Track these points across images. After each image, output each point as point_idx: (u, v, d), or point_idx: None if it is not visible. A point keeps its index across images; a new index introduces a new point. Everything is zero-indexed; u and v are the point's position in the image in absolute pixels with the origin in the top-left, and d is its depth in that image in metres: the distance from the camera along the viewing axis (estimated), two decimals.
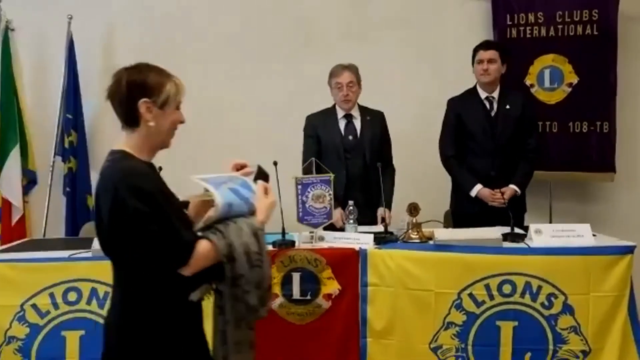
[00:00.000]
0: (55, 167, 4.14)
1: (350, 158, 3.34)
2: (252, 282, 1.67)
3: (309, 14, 4.26)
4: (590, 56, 3.91)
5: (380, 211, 3.19)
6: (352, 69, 3.35)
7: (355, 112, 3.41)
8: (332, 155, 3.34)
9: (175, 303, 1.67)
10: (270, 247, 2.79)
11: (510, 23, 4.03)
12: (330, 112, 3.43)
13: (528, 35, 4.01)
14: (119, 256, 1.66)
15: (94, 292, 2.66)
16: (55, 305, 2.65)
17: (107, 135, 4.34)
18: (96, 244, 2.69)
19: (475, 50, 3.41)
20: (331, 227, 3.15)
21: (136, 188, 1.59)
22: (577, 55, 3.95)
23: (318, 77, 4.17)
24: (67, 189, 4.13)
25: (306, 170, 3.14)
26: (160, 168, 1.99)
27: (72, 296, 2.67)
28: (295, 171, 2.96)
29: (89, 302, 2.66)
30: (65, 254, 2.75)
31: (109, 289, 2.60)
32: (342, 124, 3.40)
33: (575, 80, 3.96)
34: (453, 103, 3.48)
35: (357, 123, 3.40)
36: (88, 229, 3.64)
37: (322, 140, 3.38)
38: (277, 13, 4.27)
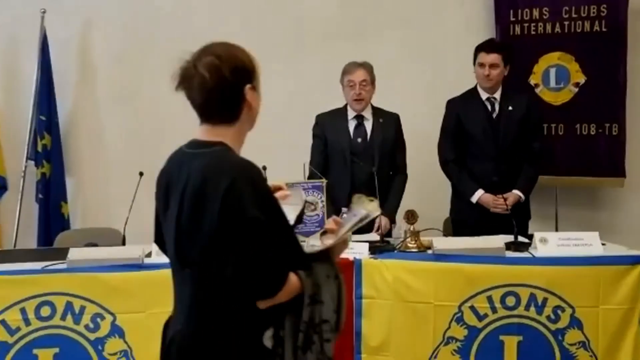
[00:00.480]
0: (27, 172, 4.13)
1: (357, 162, 3.33)
2: (334, 330, 1.56)
3: (308, 14, 4.27)
4: (598, 54, 3.94)
5: (383, 221, 3.17)
6: (367, 67, 3.35)
7: (368, 114, 3.41)
8: (338, 158, 3.36)
9: (249, 338, 1.51)
10: None
11: (514, 19, 4.07)
12: (340, 113, 3.43)
13: (532, 32, 4.05)
14: (208, 267, 1.48)
15: (69, 306, 2.65)
16: (27, 321, 2.64)
17: (84, 138, 4.35)
18: (73, 254, 2.71)
19: (477, 51, 3.41)
20: None
21: (258, 191, 1.46)
22: (584, 53, 3.99)
23: (317, 78, 4.20)
24: (40, 196, 4.12)
25: (311, 173, 3.17)
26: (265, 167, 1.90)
27: (45, 311, 2.65)
28: (287, 176, 2.96)
29: (63, 318, 2.65)
30: (38, 265, 2.74)
31: (85, 303, 2.64)
32: (351, 126, 3.41)
33: (582, 79, 4.00)
34: (452, 104, 3.51)
35: (369, 125, 3.40)
36: (62, 238, 3.62)
37: (328, 142, 3.40)
38: (276, 13, 4.28)
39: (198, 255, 1.48)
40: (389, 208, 3.30)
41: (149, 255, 2.79)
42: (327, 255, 1.65)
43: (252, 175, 1.48)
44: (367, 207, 1.75)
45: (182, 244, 1.51)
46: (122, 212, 3.13)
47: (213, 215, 1.43)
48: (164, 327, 1.66)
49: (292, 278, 1.51)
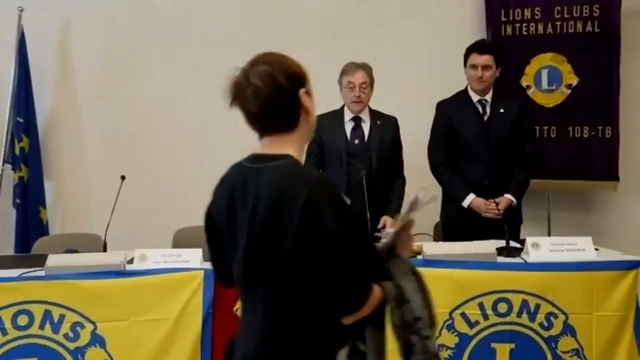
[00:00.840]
0: (4, 176, 4.09)
1: (353, 164, 3.35)
2: (430, 325, 1.55)
3: (298, 15, 4.27)
4: (591, 55, 3.98)
5: (388, 221, 3.20)
6: (367, 68, 3.38)
7: (365, 116, 3.44)
8: (334, 160, 3.38)
9: (325, 357, 1.49)
10: None
11: (505, 19, 4.09)
12: (337, 114, 3.45)
13: (524, 33, 4.07)
14: (285, 285, 1.46)
15: (47, 315, 2.63)
16: (3, 331, 2.62)
17: (63, 140, 4.32)
18: (52, 261, 2.69)
19: (469, 52, 3.43)
20: None
21: (336, 203, 1.44)
22: (577, 54, 4.02)
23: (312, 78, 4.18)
24: (18, 201, 4.08)
25: None
26: None
27: (22, 320, 2.63)
28: None
29: (41, 327, 2.63)
30: (15, 272, 2.72)
31: (65, 312, 2.62)
32: (348, 127, 3.43)
33: (575, 81, 4.03)
34: (443, 106, 3.52)
35: (366, 127, 3.43)
36: (41, 244, 3.60)
37: (324, 143, 3.41)
38: (267, 12, 4.27)
39: (274, 273, 1.46)
40: (393, 210, 3.31)
41: (131, 261, 2.78)
42: (395, 253, 1.62)
43: (328, 187, 1.47)
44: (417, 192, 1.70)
45: (255, 262, 1.49)
46: (103, 217, 3.12)
47: (291, 231, 1.41)
48: (228, 347, 1.62)
49: (374, 289, 1.50)
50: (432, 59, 4.24)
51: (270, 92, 1.48)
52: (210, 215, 1.63)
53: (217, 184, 1.62)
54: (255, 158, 1.55)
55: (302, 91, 1.53)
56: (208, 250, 1.70)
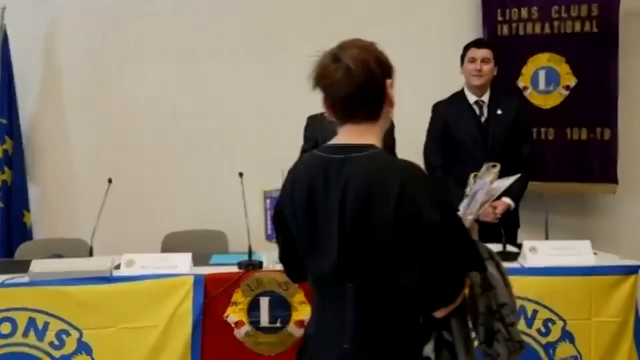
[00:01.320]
0: None
1: None
2: (513, 311, 1.55)
3: (287, 10, 4.29)
4: (589, 56, 4.01)
5: None
6: None
7: None
8: None
9: (415, 350, 1.49)
10: (235, 269, 2.81)
11: (502, 19, 4.12)
12: None
13: (521, 33, 4.10)
14: (380, 278, 1.44)
15: (31, 322, 2.63)
16: None
17: (48, 142, 4.32)
18: (35, 266, 2.69)
19: (466, 48, 3.46)
20: None
21: (432, 192, 1.42)
22: (575, 54, 4.05)
23: (292, 77, 4.19)
24: (1, 204, 4.07)
25: None
26: None
27: (5, 328, 2.63)
28: (264, 182, 2.98)
29: (25, 334, 2.63)
30: None
31: (50, 319, 2.62)
32: None
33: (573, 82, 4.06)
34: (439, 108, 3.55)
35: None
36: (24, 250, 3.59)
37: (319, 144, 3.41)
38: (262, 11, 4.28)
39: (367, 267, 1.44)
40: None
41: (118, 267, 2.79)
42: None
43: (422, 176, 1.47)
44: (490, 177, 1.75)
45: (347, 256, 1.45)
46: (89, 221, 3.12)
47: (385, 223, 1.39)
48: (301, 348, 1.61)
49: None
50: (427, 60, 4.26)
51: (362, 76, 1.47)
52: (280, 210, 1.60)
53: (286, 178, 1.60)
54: (336, 148, 1.52)
55: (389, 81, 1.53)
56: (278, 246, 1.68)
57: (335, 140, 1.55)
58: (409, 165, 1.48)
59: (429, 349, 1.48)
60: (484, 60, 3.40)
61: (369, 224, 1.42)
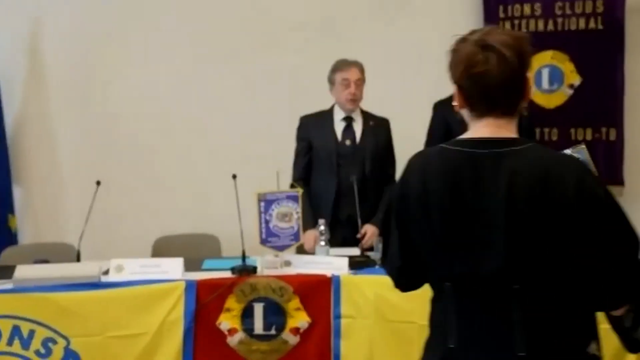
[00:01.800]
0: None
1: (344, 166, 3.39)
2: None
3: (277, 6, 4.30)
4: (594, 53, 4.02)
5: (369, 230, 3.24)
6: (360, 66, 3.43)
7: (357, 116, 3.48)
8: (324, 162, 3.42)
9: (583, 348, 1.47)
10: (228, 274, 2.81)
11: (503, 16, 4.14)
12: (326, 114, 3.49)
13: (524, 29, 4.10)
14: (559, 279, 1.42)
15: (16, 330, 2.62)
16: None
17: (33, 144, 4.31)
18: (20, 272, 2.68)
19: None
20: (301, 251, 3.18)
21: (604, 186, 1.44)
22: (579, 52, 4.06)
23: (287, 77, 4.21)
24: None
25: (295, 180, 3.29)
26: None
27: None
28: (258, 185, 2.99)
29: (10, 343, 2.62)
30: None
31: (35, 327, 2.62)
32: (339, 128, 3.46)
33: (577, 80, 4.07)
34: (440, 107, 3.53)
35: (358, 128, 3.47)
36: (9, 255, 3.58)
37: (313, 145, 3.45)
38: (254, 9, 4.29)
39: (539, 265, 1.41)
40: (377, 218, 3.35)
41: (106, 272, 2.78)
42: None
43: (589, 169, 1.49)
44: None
45: (515, 255, 1.41)
46: (76, 225, 3.12)
47: (563, 219, 1.38)
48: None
49: None
50: (427, 57, 4.26)
51: (516, 64, 1.45)
52: (403, 210, 1.53)
53: (409, 177, 1.54)
54: (481, 142, 1.48)
55: (528, 74, 1.51)
56: (390, 250, 1.59)
57: (472, 134, 1.52)
58: (576, 161, 1.50)
59: (594, 347, 1.47)
60: None
61: (544, 218, 1.39)
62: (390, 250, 1.60)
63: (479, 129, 1.51)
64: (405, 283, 1.65)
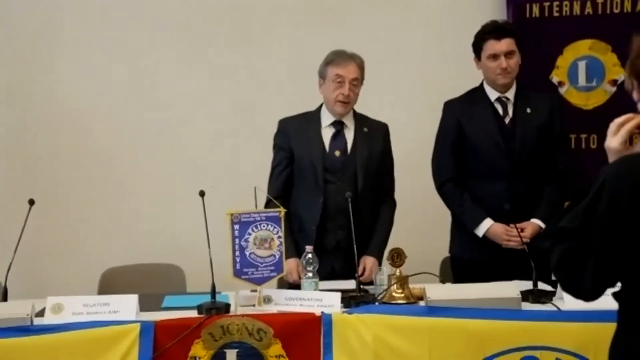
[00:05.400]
0: None
1: (333, 181, 3.42)
2: None
3: None
4: None
5: (368, 262, 3.29)
6: (359, 61, 3.45)
7: (349, 121, 3.50)
8: (307, 176, 3.44)
9: None
10: (194, 314, 2.80)
11: None
12: (311, 117, 3.51)
13: (556, 14, 4.16)
14: None
15: None
16: None
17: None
18: None
19: (482, 40, 3.48)
20: (284, 284, 3.19)
21: None
22: (624, 41, 4.05)
23: (261, 75, 4.23)
24: None
25: (267, 200, 3.26)
26: None
27: None
28: (232, 204, 2.99)
29: None
30: None
31: None
32: (327, 135, 3.48)
33: (621, 76, 4.10)
34: (452, 107, 3.57)
35: (350, 135, 3.49)
36: None
37: (295, 155, 3.46)
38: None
39: None
40: (376, 246, 3.39)
41: (41, 313, 2.77)
42: None
43: None
44: None
45: None
46: (2, 254, 3.10)
47: None
48: None
49: None
50: (438, 49, 4.31)
51: None
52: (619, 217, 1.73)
53: (622, 183, 1.75)
54: None
55: None
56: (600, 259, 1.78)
57: None
58: None
59: None
60: (508, 55, 3.43)
61: None
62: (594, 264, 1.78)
63: None
64: (596, 288, 1.83)
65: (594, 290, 1.83)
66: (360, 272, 3.21)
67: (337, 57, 3.42)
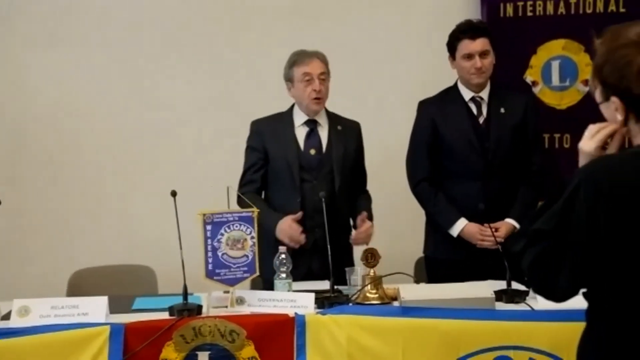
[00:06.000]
0: None
1: (309, 180, 3.43)
2: None
3: None
4: None
5: (367, 223, 3.37)
6: (322, 57, 3.47)
7: (322, 119, 3.51)
8: (283, 176, 3.44)
9: None
10: (165, 315, 2.79)
11: None
12: (283, 118, 3.52)
13: (529, 14, 4.19)
14: None
15: None
16: None
17: None
18: None
19: (457, 39, 3.49)
20: (257, 285, 3.18)
21: None
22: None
23: (247, 73, 4.21)
24: None
25: (240, 199, 3.26)
26: None
27: None
28: (204, 204, 2.98)
29: None
30: None
31: None
32: (300, 134, 3.49)
33: None
34: (426, 107, 3.59)
35: (324, 134, 3.50)
36: None
37: (270, 156, 3.45)
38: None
39: None
40: (362, 209, 3.45)
41: (7, 317, 2.75)
42: None
43: None
44: None
45: None
46: None
47: None
48: None
49: None
50: (413, 48, 4.32)
51: None
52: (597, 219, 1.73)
53: (596, 186, 1.74)
54: None
55: None
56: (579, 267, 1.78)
57: None
58: None
59: None
60: (483, 54, 3.45)
61: None
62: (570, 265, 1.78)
63: None
64: (570, 289, 1.84)
65: (568, 292, 1.85)
66: (359, 229, 3.32)
67: (300, 57, 3.45)
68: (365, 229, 3.35)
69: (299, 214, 3.30)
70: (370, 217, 3.46)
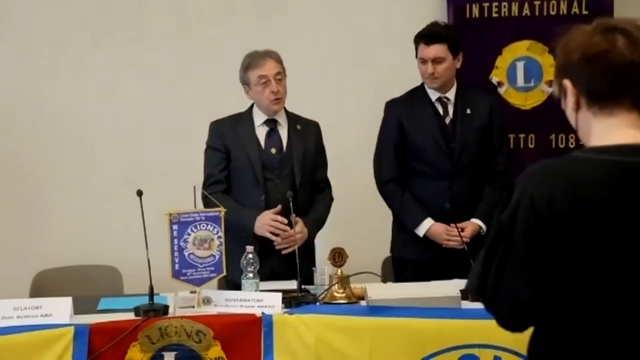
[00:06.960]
0: None
1: (271, 179, 3.43)
2: None
3: None
4: None
5: (300, 225, 3.33)
6: (275, 56, 3.46)
7: (282, 119, 3.52)
8: (246, 175, 3.44)
9: None
10: (131, 316, 2.77)
11: None
12: (243, 118, 3.52)
13: (495, 15, 4.23)
14: None
15: None
16: None
17: None
18: None
19: (416, 42, 3.53)
20: (224, 285, 3.17)
21: None
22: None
23: (197, 72, 4.20)
24: None
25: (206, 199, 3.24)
26: None
27: None
28: (170, 203, 2.97)
29: None
30: None
31: None
32: (261, 133, 3.50)
33: None
34: (393, 107, 3.62)
35: (284, 133, 3.51)
36: None
37: (232, 156, 3.45)
38: None
39: None
40: (313, 217, 3.45)
41: None
42: None
43: None
44: None
45: None
46: None
47: None
48: None
49: None
50: (379, 47, 4.33)
51: None
52: (535, 231, 1.63)
53: (539, 190, 1.65)
54: (634, 150, 1.61)
55: None
56: (523, 279, 1.67)
57: (617, 139, 1.64)
58: None
59: None
60: (436, 61, 3.47)
61: None
62: (507, 280, 1.68)
63: (614, 130, 1.66)
64: (526, 320, 1.74)
65: (518, 322, 1.78)
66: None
67: (253, 59, 3.44)
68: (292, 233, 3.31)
69: (278, 208, 3.31)
70: (322, 218, 3.49)
